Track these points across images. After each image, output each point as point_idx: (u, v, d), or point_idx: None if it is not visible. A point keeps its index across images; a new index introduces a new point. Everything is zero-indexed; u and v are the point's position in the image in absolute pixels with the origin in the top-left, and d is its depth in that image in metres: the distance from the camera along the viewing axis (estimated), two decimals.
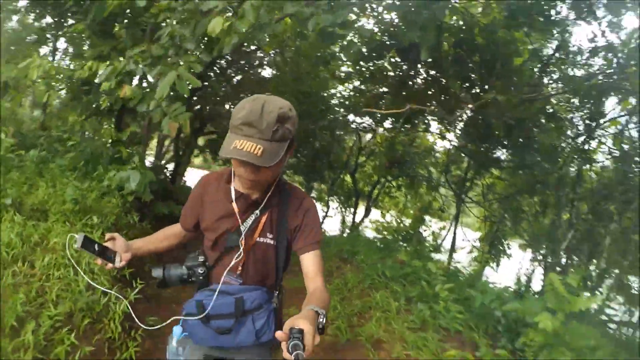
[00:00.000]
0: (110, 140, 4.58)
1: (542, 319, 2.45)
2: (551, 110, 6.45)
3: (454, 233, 8.28)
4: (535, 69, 6.29)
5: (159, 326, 1.61)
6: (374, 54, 6.56)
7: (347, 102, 8.24)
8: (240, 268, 1.65)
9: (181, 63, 2.63)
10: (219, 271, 1.67)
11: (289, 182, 1.73)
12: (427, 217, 9.40)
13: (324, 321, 1.24)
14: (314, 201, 1.65)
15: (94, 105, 4.53)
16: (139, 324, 1.62)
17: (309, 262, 1.58)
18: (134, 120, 4.56)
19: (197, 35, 2.68)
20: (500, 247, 8.70)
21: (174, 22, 2.80)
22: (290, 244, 1.66)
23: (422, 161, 9.08)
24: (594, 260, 5.99)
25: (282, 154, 1.41)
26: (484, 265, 8.39)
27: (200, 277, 1.67)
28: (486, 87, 6.31)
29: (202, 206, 1.73)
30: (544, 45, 6.18)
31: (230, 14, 2.97)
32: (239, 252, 1.62)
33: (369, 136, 9.42)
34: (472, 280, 4.72)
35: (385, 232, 8.37)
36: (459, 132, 7.83)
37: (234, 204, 1.63)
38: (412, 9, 4.53)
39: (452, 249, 8.20)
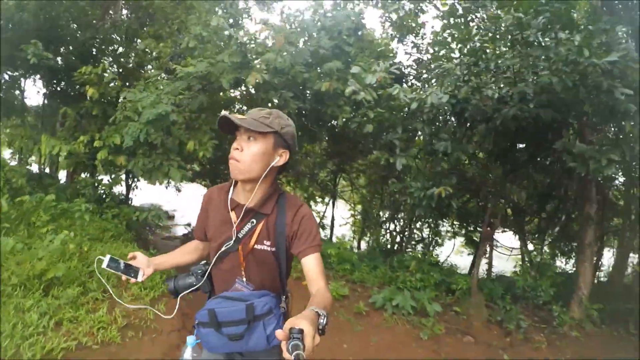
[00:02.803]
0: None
1: (331, 251, 6.57)
2: None
3: (332, 214, 11.10)
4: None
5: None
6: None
7: None
8: (243, 274, 1.85)
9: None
10: (218, 276, 1.93)
11: (287, 192, 1.91)
12: (312, 203, 12.78)
13: (325, 322, 1.33)
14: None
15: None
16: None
17: (310, 265, 1.73)
18: None
19: None
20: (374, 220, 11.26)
21: None
22: (288, 250, 1.81)
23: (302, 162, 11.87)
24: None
25: (264, 134, 1.70)
26: (361, 236, 12.34)
27: (201, 278, 1.94)
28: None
29: (207, 217, 1.96)
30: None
31: None
32: (237, 259, 1.83)
33: None
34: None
35: None
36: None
37: (232, 213, 1.84)
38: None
39: (332, 225, 10.97)
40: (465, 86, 4.98)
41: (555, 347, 5.20)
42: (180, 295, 1.98)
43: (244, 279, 1.84)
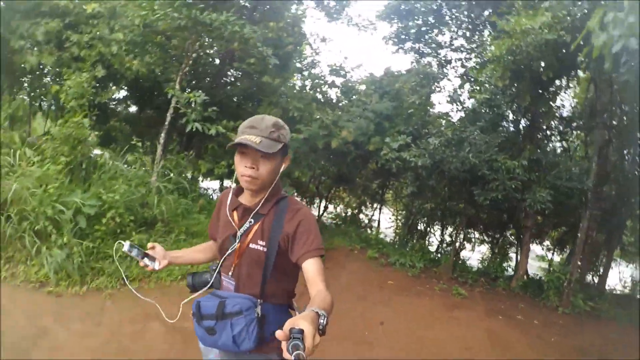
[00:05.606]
0: None
1: (372, 237, 12.08)
2: None
3: (379, 218, 14.32)
4: None
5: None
6: None
7: None
8: (232, 269, 2.06)
9: None
10: (221, 273, 2.14)
11: (289, 195, 2.08)
12: (363, 208, 14.83)
13: (325, 322, 1.44)
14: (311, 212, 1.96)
15: None
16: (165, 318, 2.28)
17: (309, 269, 1.85)
18: None
19: None
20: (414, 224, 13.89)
21: None
22: (285, 252, 1.96)
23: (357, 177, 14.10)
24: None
25: (276, 151, 1.89)
26: (403, 235, 14.57)
27: (212, 279, 2.16)
28: None
29: (217, 217, 2.25)
30: None
31: None
32: (233, 256, 2.03)
33: None
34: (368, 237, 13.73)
35: (337, 219, 14.30)
36: None
37: (235, 213, 2.08)
38: None
39: (378, 226, 14.11)
40: (437, 157, 10.15)
41: (484, 294, 10.11)
42: (198, 292, 2.24)
43: (230, 274, 2.08)
